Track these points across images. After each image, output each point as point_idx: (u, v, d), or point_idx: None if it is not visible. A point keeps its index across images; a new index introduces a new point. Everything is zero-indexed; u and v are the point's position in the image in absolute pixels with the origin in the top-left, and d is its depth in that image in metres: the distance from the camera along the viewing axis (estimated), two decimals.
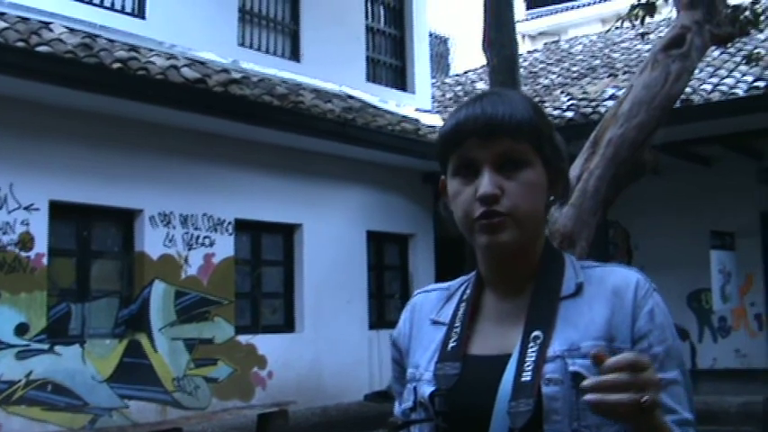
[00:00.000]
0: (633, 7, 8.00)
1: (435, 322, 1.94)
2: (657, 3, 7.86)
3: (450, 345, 1.85)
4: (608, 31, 14.43)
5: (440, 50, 23.52)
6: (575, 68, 18.14)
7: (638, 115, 6.15)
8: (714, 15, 6.72)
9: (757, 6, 7.32)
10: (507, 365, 1.71)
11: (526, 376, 1.67)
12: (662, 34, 17.37)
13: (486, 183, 1.75)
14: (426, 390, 1.82)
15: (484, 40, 10.26)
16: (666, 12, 8.64)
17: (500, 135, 1.77)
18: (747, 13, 7.16)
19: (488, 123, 1.77)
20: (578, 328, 1.73)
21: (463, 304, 1.91)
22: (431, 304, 2.00)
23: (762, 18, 7.41)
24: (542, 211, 1.84)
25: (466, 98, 14.27)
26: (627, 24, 8.83)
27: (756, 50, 10.63)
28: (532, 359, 1.69)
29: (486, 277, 1.91)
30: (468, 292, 1.93)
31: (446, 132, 1.85)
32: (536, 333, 1.73)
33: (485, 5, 10.33)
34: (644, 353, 1.69)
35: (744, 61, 10.49)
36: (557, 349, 1.70)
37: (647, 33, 9.73)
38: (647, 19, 8.22)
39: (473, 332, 1.86)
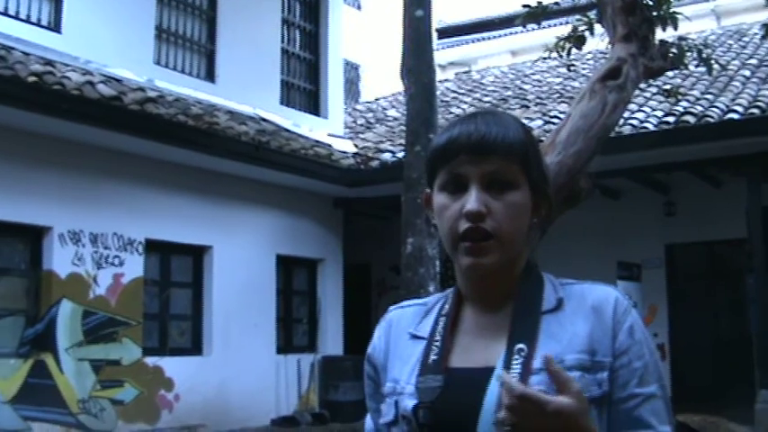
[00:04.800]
0: (561, 39, 8.13)
1: (414, 336, 1.93)
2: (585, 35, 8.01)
3: (432, 358, 1.84)
4: (535, 61, 14.65)
5: (351, 77, 23.59)
6: (486, 99, 18.37)
7: (576, 143, 6.25)
8: (648, 49, 6.89)
9: (684, 43, 7.50)
10: (491, 378, 1.71)
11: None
12: (585, 65, 17.84)
13: (473, 199, 1.76)
14: (409, 403, 1.81)
15: (402, 68, 10.29)
16: (592, 44, 8.78)
17: (491, 154, 1.78)
18: (674, 48, 7.34)
19: (481, 141, 1.78)
20: (561, 341, 1.74)
21: (442, 318, 1.90)
22: (408, 319, 1.99)
23: (687, 53, 7.60)
24: (525, 232, 1.85)
25: (377, 124, 14.30)
26: (545, 55, 8.94)
27: (677, 86, 10.87)
28: (517, 371, 1.69)
29: (465, 293, 1.91)
30: (446, 307, 1.93)
31: (438, 146, 1.86)
32: (520, 346, 1.73)
33: (403, 33, 10.38)
34: (625, 368, 1.73)
35: (663, 94, 10.72)
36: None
37: (571, 65, 9.89)
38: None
39: (453, 346, 1.86)
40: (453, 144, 1.81)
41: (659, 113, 13.18)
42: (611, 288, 1.85)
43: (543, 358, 1.61)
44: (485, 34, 29.79)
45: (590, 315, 1.78)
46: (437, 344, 1.86)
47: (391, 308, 2.08)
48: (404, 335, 1.96)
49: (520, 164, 1.80)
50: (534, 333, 1.76)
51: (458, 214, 1.79)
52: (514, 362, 1.71)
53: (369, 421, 2.03)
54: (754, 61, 16.27)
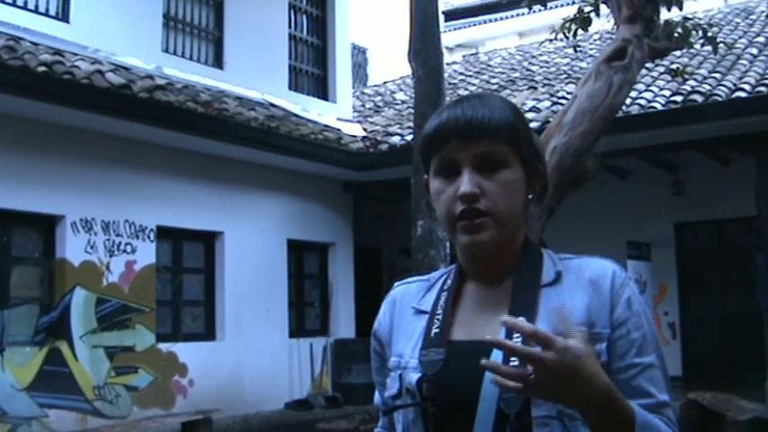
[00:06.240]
0: (567, 21, 8.14)
1: (418, 311, 1.99)
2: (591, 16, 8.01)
3: (434, 331, 1.90)
4: (542, 42, 14.63)
5: (358, 60, 23.60)
6: (494, 80, 18.37)
7: (582, 124, 6.29)
8: (652, 30, 6.92)
9: (689, 23, 7.51)
10: (492, 351, 1.74)
11: (514, 362, 1.67)
12: (593, 46, 17.82)
13: (465, 182, 1.82)
14: (413, 376, 1.86)
15: (410, 51, 10.33)
16: (599, 25, 8.78)
17: (480, 136, 1.83)
18: (679, 28, 7.36)
19: (468, 125, 1.84)
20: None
21: (444, 293, 1.97)
22: (411, 294, 2.05)
23: (692, 33, 7.61)
24: (520, 209, 1.91)
25: (385, 108, 14.33)
26: (551, 36, 8.94)
27: (683, 65, 10.87)
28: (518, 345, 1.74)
29: (466, 270, 1.97)
30: (448, 282, 1.99)
31: (428, 133, 1.91)
32: (520, 319, 1.78)
33: (411, 16, 10.41)
34: (623, 339, 1.79)
35: (670, 74, 10.71)
36: None
37: (577, 46, 9.92)
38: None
39: (455, 319, 1.92)
40: (442, 130, 1.87)
41: (667, 93, 13.17)
42: (609, 261, 1.90)
43: (503, 323, 1.61)
44: (492, 16, 29.79)
45: (588, 288, 1.83)
46: (439, 317, 1.92)
47: (396, 284, 2.14)
48: (408, 310, 2.02)
49: (509, 143, 1.85)
50: (534, 306, 1.82)
51: (453, 197, 1.85)
52: (515, 335, 1.76)
53: (377, 395, 2.10)
54: (761, 39, 16.23)
